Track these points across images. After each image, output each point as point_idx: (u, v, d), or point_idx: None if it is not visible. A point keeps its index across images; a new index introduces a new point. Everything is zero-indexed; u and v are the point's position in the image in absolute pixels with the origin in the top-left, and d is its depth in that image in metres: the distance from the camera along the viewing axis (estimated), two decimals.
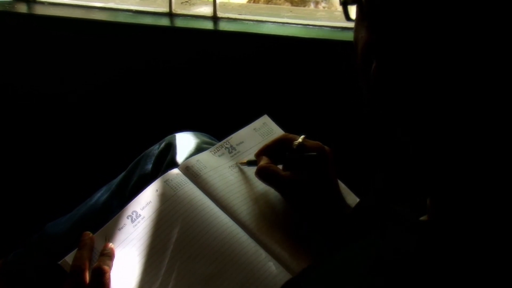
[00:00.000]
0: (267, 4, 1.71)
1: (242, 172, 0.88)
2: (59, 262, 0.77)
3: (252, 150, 0.89)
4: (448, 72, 0.48)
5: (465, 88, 0.48)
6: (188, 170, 0.85)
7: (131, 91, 1.34)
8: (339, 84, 1.22)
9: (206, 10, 1.32)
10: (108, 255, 0.76)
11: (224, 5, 1.36)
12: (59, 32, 1.33)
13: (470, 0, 0.46)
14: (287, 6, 1.67)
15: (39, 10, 1.36)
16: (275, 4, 1.70)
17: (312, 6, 1.68)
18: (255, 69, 1.27)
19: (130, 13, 1.34)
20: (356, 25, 0.54)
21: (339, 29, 1.25)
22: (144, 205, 0.80)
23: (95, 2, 1.37)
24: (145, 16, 1.32)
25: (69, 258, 0.76)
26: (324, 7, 1.68)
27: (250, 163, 0.86)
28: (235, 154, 0.90)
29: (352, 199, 0.86)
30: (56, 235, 0.97)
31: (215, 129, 1.02)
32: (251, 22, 1.29)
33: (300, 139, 0.83)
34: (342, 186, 0.86)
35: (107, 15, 1.34)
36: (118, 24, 1.31)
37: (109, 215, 0.81)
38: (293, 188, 0.81)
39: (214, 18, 1.30)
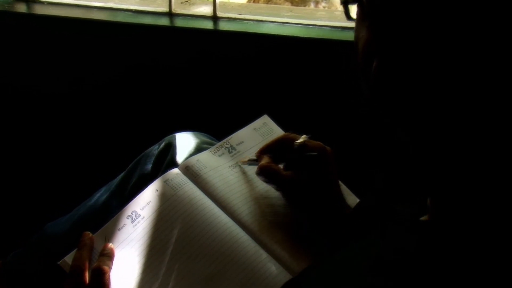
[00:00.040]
0: (267, 3, 1.71)
1: (242, 172, 0.88)
2: (59, 262, 0.76)
3: (252, 150, 0.89)
4: (448, 71, 0.47)
5: (465, 88, 0.48)
6: (188, 170, 0.85)
7: (130, 91, 1.34)
8: (339, 84, 1.22)
9: (206, 10, 1.32)
10: (108, 255, 0.76)
11: (224, 4, 1.36)
12: (58, 31, 1.33)
13: None
14: (287, 5, 1.67)
15: (39, 9, 1.36)
16: (275, 3, 1.70)
17: (312, 5, 1.68)
18: (255, 69, 1.27)
19: (130, 13, 1.34)
20: (356, 24, 0.54)
21: (339, 29, 1.25)
22: (144, 205, 0.80)
23: (95, 1, 1.37)
24: (144, 16, 1.32)
25: (68, 258, 0.76)
26: (324, 7, 1.68)
27: (251, 162, 0.86)
28: (235, 154, 0.90)
29: (352, 199, 0.86)
30: (55, 235, 0.97)
31: (215, 129, 1.02)
32: (251, 21, 1.29)
33: (301, 139, 0.83)
34: (342, 186, 0.85)
35: (107, 14, 1.34)
36: (117, 24, 1.31)
37: (108, 215, 0.81)
38: (293, 187, 0.81)
39: (214, 18, 1.30)
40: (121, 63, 1.33)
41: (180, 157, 0.91)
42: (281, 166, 0.84)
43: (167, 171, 0.85)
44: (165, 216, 0.80)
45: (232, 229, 0.80)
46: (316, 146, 0.82)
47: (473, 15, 0.46)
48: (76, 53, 1.34)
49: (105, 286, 0.74)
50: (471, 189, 0.52)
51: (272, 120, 0.95)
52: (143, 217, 0.79)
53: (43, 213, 1.08)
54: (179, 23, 1.30)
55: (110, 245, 0.77)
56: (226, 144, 0.90)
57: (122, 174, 0.97)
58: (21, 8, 1.36)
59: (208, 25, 1.29)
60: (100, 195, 0.97)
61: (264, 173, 0.82)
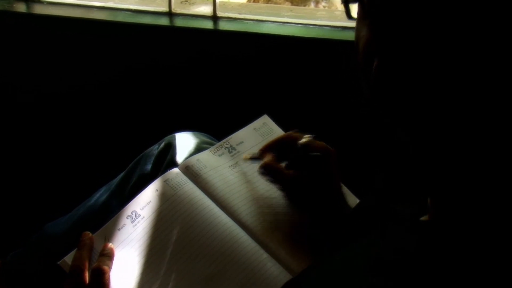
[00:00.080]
0: (267, 3, 1.71)
1: (242, 172, 0.88)
2: (59, 262, 0.76)
3: (252, 150, 0.89)
4: (449, 71, 0.47)
5: (466, 88, 0.48)
6: (188, 170, 0.85)
7: (130, 90, 1.34)
8: (339, 84, 1.22)
9: (206, 10, 1.32)
10: (108, 255, 0.76)
11: (224, 4, 1.35)
12: (58, 31, 1.33)
13: None
14: (287, 5, 1.66)
15: (38, 9, 1.36)
16: (275, 3, 1.70)
17: (312, 5, 1.68)
18: (255, 69, 1.26)
19: (130, 13, 1.34)
20: (357, 23, 0.54)
21: (339, 29, 1.25)
22: (144, 205, 0.80)
23: (94, 1, 1.37)
24: (144, 16, 1.32)
25: (68, 258, 0.76)
26: (324, 7, 1.67)
27: (253, 159, 0.86)
28: (235, 154, 0.90)
29: (352, 200, 0.86)
30: (55, 235, 0.97)
31: (215, 129, 1.02)
32: (251, 21, 1.29)
33: (305, 139, 0.82)
34: (343, 187, 0.85)
35: (107, 14, 1.34)
36: (117, 24, 1.31)
37: (108, 215, 0.81)
38: (295, 187, 0.81)
39: (214, 18, 1.30)
40: (121, 63, 1.33)
41: (180, 157, 0.91)
42: (283, 164, 0.83)
43: (167, 171, 0.85)
44: (165, 216, 0.80)
45: (232, 229, 0.80)
46: (319, 146, 0.82)
47: (473, 14, 0.46)
48: (76, 53, 1.34)
49: (105, 286, 0.74)
50: (471, 189, 0.52)
51: (272, 120, 0.95)
52: (143, 217, 0.79)
53: (43, 213, 1.08)
54: (179, 22, 1.30)
55: (110, 245, 0.77)
56: (226, 144, 0.90)
57: (122, 174, 0.97)
58: (21, 7, 1.36)
59: (208, 24, 1.28)
60: (100, 195, 0.97)
61: (267, 171, 0.82)
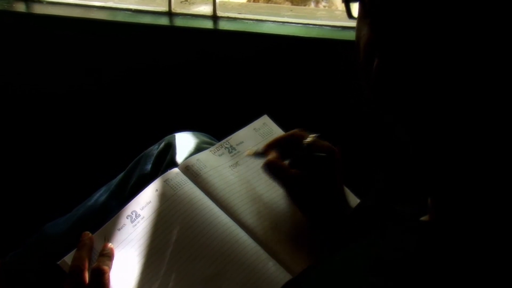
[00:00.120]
0: (267, 3, 1.71)
1: (242, 171, 0.87)
2: (58, 263, 0.76)
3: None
4: (449, 71, 0.47)
5: (466, 87, 0.47)
6: (188, 170, 0.84)
7: (130, 90, 1.34)
8: (340, 84, 1.22)
9: (206, 9, 1.32)
10: (108, 256, 0.76)
11: (223, 4, 1.35)
12: (57, 31, 1.33)
13: None
14: (287, 5, 1.66)
15: (38, 9, 1.35)
16: (275, 3, 1.70)
17: (312, 5, 1.67)
18: (255, 69, 1.26)
19: (129, 12, 1.34)
20: (358, 22, 0.54)
21: (339, 28, 1.25)
22: (144, 205, 0.80)
23: (94, 1, 1.37)
24: (144, 15, 1.32)
25: (68, 258, 0.76)
26: (324, 6, 1.67)
27: (257, 154, 0.85)
28: (235, 154, 0.89)
29: (352, 200, 0.86)
30: (55, 235, 0.97)
31: (215, 129, 1.02)
32: (251, 21, 1.29)
33: (310, 138, 0.82)
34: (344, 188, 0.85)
35: (106, 14, 1.34)
36: (117, 23, 1.31)
37: (108, 215, 0.81)
38: (298, 186, 0.80)
39: (214, 17, 1.30)
40: (121, 63, 1.33)
41: (180, 157, 0.91)
42: (286, 162, 0.83)
43: (167, 171, 0.85)
44: (165, 216, 0.80)
45: (232, 229, 0.80)
46: (324, 146, 0.81)
47: (474, 14, 0.46)
48: (76, 53, 1.34)
49: (105, 286, 0.74)
50: (471, 189, 0.52)
51: (272, 120, 0.94)
52: (143, 217, 0.79)
53: (43, 213, 1.08)
54: (179, 22, 1.30)
55: (110, 245, 0.77)
56: (226, 144, 0.90)
57: (121, 174, 0.97)
58: (20, 7, 1.36)
59: (208, 24, 1.28)
60: (100, 195, 0.97)
61: (270, 169, 0.81)
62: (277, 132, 0.93)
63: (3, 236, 1.30)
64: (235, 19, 1.29)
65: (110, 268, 0.75)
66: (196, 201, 0.81)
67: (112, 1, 1.37)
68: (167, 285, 0.75)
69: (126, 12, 1.34)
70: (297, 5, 1.66)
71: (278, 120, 0.95)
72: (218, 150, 0.89)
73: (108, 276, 0.74)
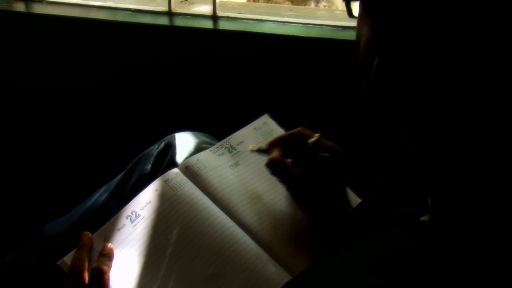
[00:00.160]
0: (267, 3, 1.71)
1: (242, 171, 0.87)
2: (58, 263, 0.76)
3: None
4: (450, 70, 0.47)
5: (467, 87, 0.47)
6: (188, 170, 0.84)
7: (130, 90, 1.34)
8: (340, 84, 1.22)
9: (206, 9, 1.32)
10: (107, 256, 0.76)
11: (223, 4, 1.35)
12: (57, 31, 1.33)
13: None
14: (288, 5, 1.66)
15: (37, 9, 1.35)
16: (275, 3, 1.70)
17: (312, 5, 1.67)
18: (255, 69, 1.26)
19: (129, 12, 1.34)
20: (358, 22, 0.54)
21: (339, 28, 1.25)
22: (144, 205, 0.80)
23: (94, 1, 1.37)
24: (144, 15, 1.32)
25: (68, 258, 0.76)
26: (324, 6, 1.67)
27: (260, 151, 0.84)
28: (235, 154, 0.89)
29: (353, 199, 0.86)
30: (55, 236, 0.97)
31: (215, 129, 1.02)
32: (251, 21, 1.29)
33: (315, 137, 0.81)
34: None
35: (106, 14, 1.34)
36: (116, 23, 1.31)
37: (108, 215, 0.81)
38: (301, 185, 0.80)
39: (214, 17, 1.30)
40: (120, 63, 1.33)
41: (179, 157, 0.91)
42: (289, 160, 0.82)
43: (166, 171, 0.85)
44: (165, 216, 0.80)
45: (232, 229, 0.80)
46: (329, 147, 0.81)
47: (474, 13, 0.46)
48: (75, 53, 1.34)
49: (105, 286, 0.73)
50: (472, 189, 0.52)
51: (273, 119, 0.94)
52: (143, 217, 0.79)
53: (42, 213, 1.08)
54: (179, 22, 1.30)
55: (110, 245, 0.77)
56: (226, 144, 0.90)
57: (121, 174, 0.97)
58: (20, 7, 1.36)
59: (208, 24, 1.28)
60: (99, 195, 0.97)
61: (273, 167, 0.80)
62: (278, 131, 0.93)
63: (3, 236, 1.30)
64: (235, 19, 1.29)
65: (110, 268, 0.75)
66: (196, 201, 0.81)
67: (111, 0, 1.37)
68: (167, 285, 0.75)
69: (126, 12, 1.34)
70: (297, 5, 1.66)
71: (278, 119, 0.95)
72: (218, 150, 0.89)
73: (108, 276, 0.74)
